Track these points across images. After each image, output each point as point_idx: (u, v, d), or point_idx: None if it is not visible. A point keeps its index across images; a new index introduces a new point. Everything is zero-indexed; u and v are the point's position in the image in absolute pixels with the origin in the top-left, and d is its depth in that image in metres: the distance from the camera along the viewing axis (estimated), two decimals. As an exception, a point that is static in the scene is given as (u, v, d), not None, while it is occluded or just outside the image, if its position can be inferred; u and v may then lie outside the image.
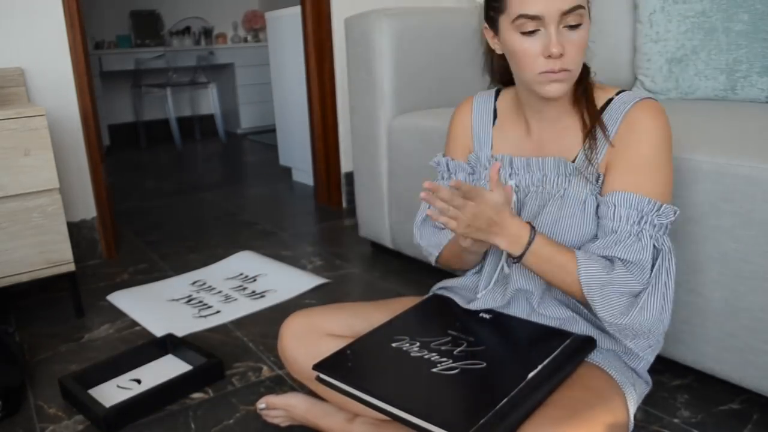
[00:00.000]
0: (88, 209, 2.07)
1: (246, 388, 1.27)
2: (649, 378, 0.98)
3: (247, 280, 1.86)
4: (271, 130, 4.10)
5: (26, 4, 1.87)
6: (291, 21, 2.90)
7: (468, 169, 1.08)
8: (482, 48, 1.03)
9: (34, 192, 1.51)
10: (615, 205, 0.87)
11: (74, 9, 1.93)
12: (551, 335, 0.92)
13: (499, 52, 0.95)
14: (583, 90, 0.93)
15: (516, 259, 0.88)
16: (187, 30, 5.23)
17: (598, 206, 0.91)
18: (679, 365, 1.18)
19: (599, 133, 0.90)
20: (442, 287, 1.11)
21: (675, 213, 0.87)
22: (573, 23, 0.84)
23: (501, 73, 1.03)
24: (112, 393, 1.27)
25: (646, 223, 0.85)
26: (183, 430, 1.15)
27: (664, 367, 1.22)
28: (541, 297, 0.97)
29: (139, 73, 4.81)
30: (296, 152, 3.15)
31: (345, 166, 2.66)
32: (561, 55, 0.84)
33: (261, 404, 1.13)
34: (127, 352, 1.38)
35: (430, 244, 1.10)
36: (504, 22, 0.88)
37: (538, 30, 0.85)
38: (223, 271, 1.96)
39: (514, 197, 0.98)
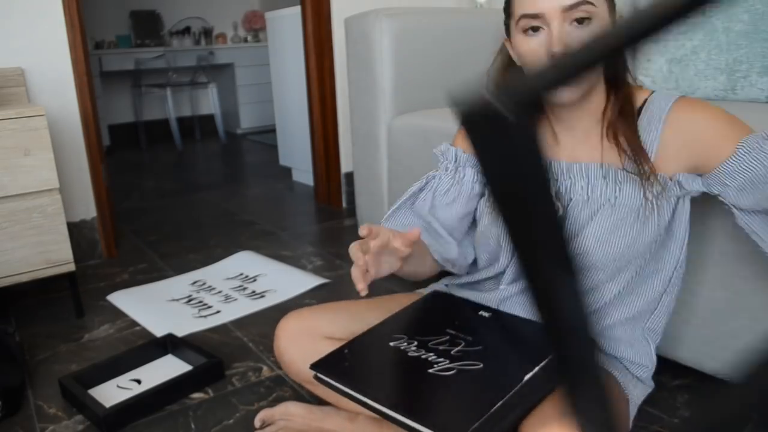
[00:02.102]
0: (88, 209, 2.07)
1: (246, 388, 1.27)
2: (651, 382, 0.99)
3: (247, 280, 1.86)
4: (271, 130, 4.10)
5: (26, 4, 1.87)
6: (291, 21, 2.90)
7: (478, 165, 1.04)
8: (495, 63, 0.97)
9: (34, 192, 1.51)
10: (749, 153, 0.80)
11: (74, 9, 1.93)
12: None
13: (517, 62, 0.90)
14: (614, 101, 0.87)
15: None
16: (187, 30, 5.23)
17: (670, 207, 0.87)
18: (679, 365, 1.18)
19: (643, 138, 0.85)
20: (453, 283, 1.09)
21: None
22: (580, 17, 0.79)
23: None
24: (112, 393, 1.27)
25: None
26: (183, 430, 1.15)
27: (664, 367, 1.21)
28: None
29: (139, 73, 4.81)
30: (296, 152, 3.15)
31: (345, 166, 2.66)
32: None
33: (258, 422, 1.11)
34: (127, 352, 1.38)
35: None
36: (512, 26, 0.86)
37: (542, 28, 0.81)
38: (223, 271, 1.96)
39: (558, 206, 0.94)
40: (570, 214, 0.91)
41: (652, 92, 0.90)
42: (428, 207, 1.02)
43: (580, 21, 0.80)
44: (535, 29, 0.82)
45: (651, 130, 0.86)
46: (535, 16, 0.81)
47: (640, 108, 0.88)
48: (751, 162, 0.79)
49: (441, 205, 1.02)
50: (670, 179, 0.86)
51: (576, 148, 0.92)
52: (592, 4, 0.79)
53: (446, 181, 1.02)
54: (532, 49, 0.83)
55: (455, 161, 1.02)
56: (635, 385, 0.94)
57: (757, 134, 0.80)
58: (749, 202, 0.82)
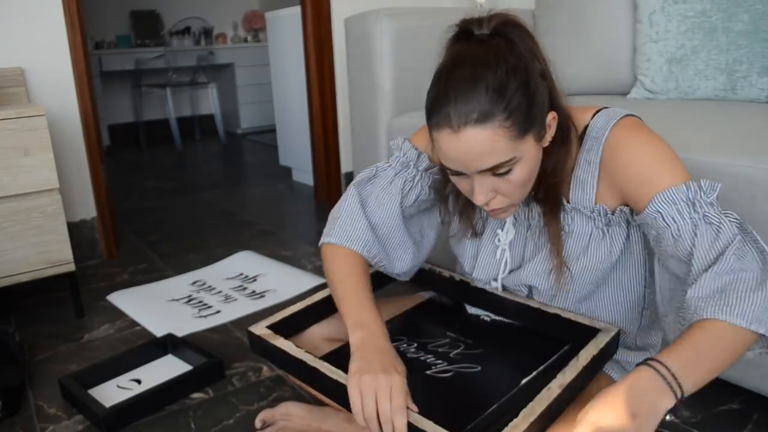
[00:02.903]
0: (88, 209, 2.07)
1: (246, 388, 1.27)
2: None
3: (247, 280, 1.86)
4: (271, 130, 4.10)
5: (26, 4, 1.87)
6: (291, 21, 2.90)
7: (436, 172, 0.96)
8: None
9: (34, 192, 1.51)
10: (660, 212, 0.77)
11: (74, 9, 1.93)
12: (550, 341, 0.91)
13: None
14: (544, 184, 0.84)
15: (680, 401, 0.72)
16: (187, 30, 5.23)
17: (603, 238, 0.85)
18: (679, 365, 1.17)
19: (582, 175, 0.84)
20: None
21: (717, 186, 0.76)
22: (499, 172, 0.75)
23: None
24: (112, 393, 1.27)
25: (701, 206, 0.75)
26: (183, 430, 1.15)
27: (664, 367, 1.21)
28: (551, 295, 0.93)
29: (139, 73, 4.81)
30: (296, 152, 3.15)
31: (345, 166, 2.66)
32: (487, 202, 0.79)
33: (258, 423, 1.10)
34: (127, 352, 1.38)
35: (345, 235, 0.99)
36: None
37: (465, 174, 0.77)
38: (223, 271, 1.96)
39: (513, 231, 0.93)
40: (529, 240, 0.91)
41: (598, 111, 0.85)
42: (382, 216, 0.97)
43: (502, 174, 0.76)
44: (461, 172, 0.78)
45: (592, 154, 0.83)
46: (456, 172, 0.78)
47: (584, 131, 0.85)
48: (656, 222, 0.77)
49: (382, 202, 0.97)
50: (613, 212, 0.84)
51: None
52: (508, 162, 0.74)
53: (391, 176, 0.97)
54: (461, 187, 0.81)
55: (406, 158, 0.97)
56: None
57: (678, 186, 0.76)
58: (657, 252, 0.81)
